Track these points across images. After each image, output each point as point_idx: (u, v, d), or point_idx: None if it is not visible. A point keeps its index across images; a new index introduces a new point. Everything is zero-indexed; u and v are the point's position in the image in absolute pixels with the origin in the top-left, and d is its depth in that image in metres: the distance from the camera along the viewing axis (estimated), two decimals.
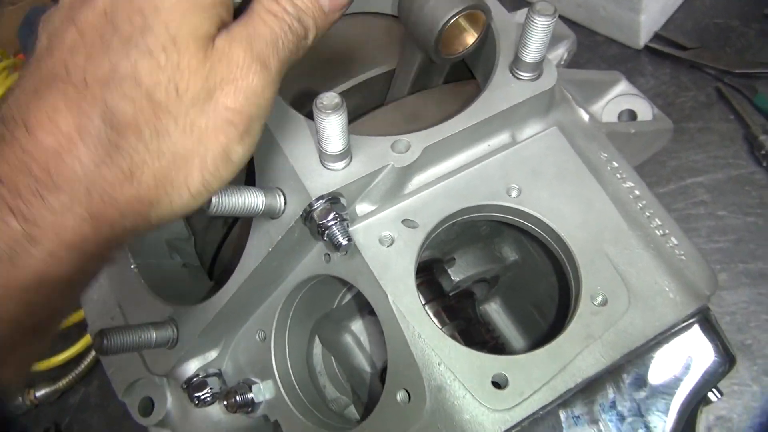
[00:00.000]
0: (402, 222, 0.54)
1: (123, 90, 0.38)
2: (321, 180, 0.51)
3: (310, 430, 0.58)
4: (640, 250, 0.54)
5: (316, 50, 0.65)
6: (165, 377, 0.67)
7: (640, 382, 0.51)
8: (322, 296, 0.64)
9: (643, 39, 1.12)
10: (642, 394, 0.51)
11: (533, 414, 0.48)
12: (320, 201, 0.50)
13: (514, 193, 0.56)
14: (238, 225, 0.66)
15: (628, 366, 0.51)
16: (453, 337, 0.53)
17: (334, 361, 0.68)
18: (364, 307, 0.68)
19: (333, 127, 0.47)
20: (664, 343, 0.52)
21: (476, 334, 0.69)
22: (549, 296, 0.68)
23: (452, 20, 0.53)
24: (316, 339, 0.68)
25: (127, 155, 0.38)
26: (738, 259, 0.97)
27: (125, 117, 0.38)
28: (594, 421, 0.50)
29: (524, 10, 0.54)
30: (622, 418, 0.50)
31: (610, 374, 0.51)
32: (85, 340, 1.07)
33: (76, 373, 1.05)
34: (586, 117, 0.64)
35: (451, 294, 0.70)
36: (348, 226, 0.51)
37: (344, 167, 0.51)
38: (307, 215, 0.51)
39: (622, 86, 0.81)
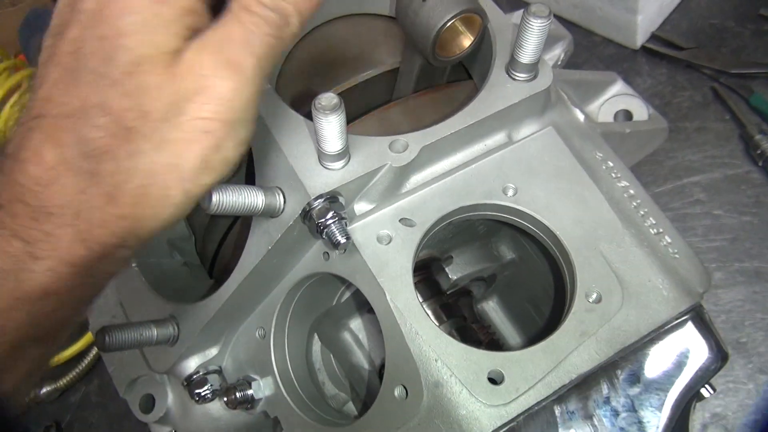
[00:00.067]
0: (400, 221, 0.55)
1: (93, 121, 0.40)
2: (320, 179, 0.51)
3: (310, 426, 0.59)
4: (634, 248, 0.55)
5: (316, 51, 0.66)
6: (166, 374, 0.67)
7: (634, 378, 0.52)
8: (321, 294, 0.65)
9: (639, 39, 1.13)
10: (636, 389, 0.52)
11: (529, 409, 0.49)
12: (319, 200, 0.51)
13: (510, 192, 0.57)
14: (238, 224, 0.67)
15: (622, 362, 0.52)
16: (450, 334, 0.54)
17: (333, 358, 0.69)
18: (362, 305, 0.68)
19: (331, 127, 0.47)
20: (658, 339, 0.53)
21: (473, 332, 0.70)
22: (546, 294, 0.69)
23: (448, 24, 0.54)
24: (315, 336, 0.68)
25: (106, 179, 0.40)
26: (734, 257, 0.97)
27: (99, 145, 0.40)
28: (588, 417, 0.51)
29: (520, 12, 0.55)
30: (616, 413, 0.51)
31: (605, 370, 0.52)
32: (86, 339, 1.07)
33: (76, 372, 1.06)
34: (581, 117, 0.65)
35: (448, 292, 0.71)
36: (346, 225, 0.52)
37: (343, 167, 0.52)
38: (306, 214, 0.51)
39: (618, 86, 0.82)
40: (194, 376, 0.63)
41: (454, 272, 0.71)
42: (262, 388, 0.62)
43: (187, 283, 0.69)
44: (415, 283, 0.53)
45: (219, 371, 0.64)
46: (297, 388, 0.62)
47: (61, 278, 0.40)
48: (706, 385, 0.54)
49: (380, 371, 0.67)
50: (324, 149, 0.50)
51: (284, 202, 0.52)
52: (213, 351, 0.64)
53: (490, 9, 0.61)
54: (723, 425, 0.89)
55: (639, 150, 0.86)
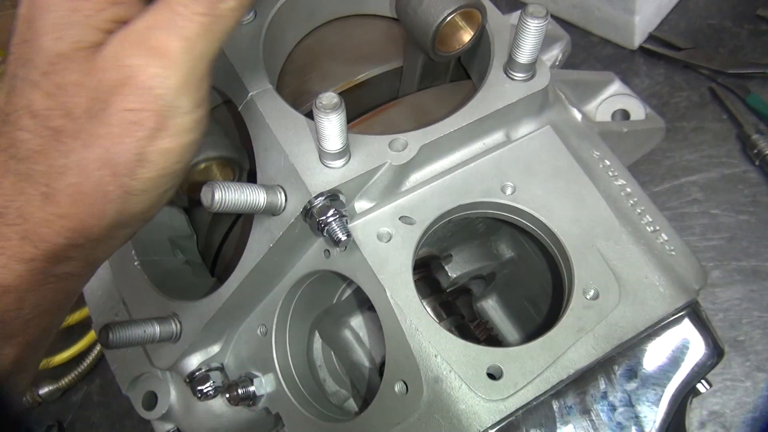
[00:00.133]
0: (400, 219, 0.55)
1: (21, 124, 0.40)
2: (321, 177, 0.52)
3: (311, 422, 0.59)
4: (631, 246, 0.56)
5: (317, 51, 0.67)
6: (168, 372, 0.68)
7: (631, 373, 0.52)
8: (322, 292, 0.66)
9: (637, 40, 1.14)
10: (633, 385, 0.52)
11: (527, 404, 0.50)
12: (320, 198, 0.52)
13: (508, 191, 0.57)
14: (240, 223, 0.67)
15: (620, 358, 0.53)
16: (449, 331, 0.54)
17: (333, 355, 0.69)
18: (363, 303, 0.69)
19: (332, 125, 0.48)
20: (655, 335, 0.53)
21: (472, 330, 0.70)
22: (544, 292, 0.70)
23: (447, 19, 0.54)
24: (316, 334, 0.69)
25: (40, 180, 0.40)
26: (731, 256, 0.98)
27: (30, 147, 0.40)
28: (586, 411, 0.51)
29: (518, 12, 0.56)
30: (613, 408, 0.52)
31: (602, 366, 0.52)
32: (87, 339, 1.08)
33: (78, 372, 1.07)
34: (579, 116, 0.66)
35: (448, 290, 0.71)
36: (347, 223, 0.52)
37: (343, 165, 0.53)
38: (307, 212, 0.52)
39: (616, 86, 0.83)
40: (196, 373, 0.63)
41: (454, 270, 0.71)
42: (263, 385, 0.62)
43: (189, 282, 0.70)
44: (415, 281, 0.54)
45: (221, 368, 0.65)
46: (298, 384, 0.63)
47: (15, 274, 0.41)
48: (703, 381, 0.55)
49: (380, 369, 0.67)
50: (325, 148, 0.51)
51: (285, 200, 0.53)
52: (215, 348, 0.65)
53: (488, 10, 0.62)
54: (721, 423, 0.89)
55: (636, 149, 0.86)
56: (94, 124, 0.40)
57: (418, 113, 0.63)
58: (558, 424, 0.50)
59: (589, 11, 1.14)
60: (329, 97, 0.47)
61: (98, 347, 1.08)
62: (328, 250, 0.56)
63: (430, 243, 0.66)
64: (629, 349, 0.53)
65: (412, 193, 0.56)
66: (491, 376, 0.50)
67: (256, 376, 0.63)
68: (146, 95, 0.39)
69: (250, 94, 0.56)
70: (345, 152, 0.52)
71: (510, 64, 0.58)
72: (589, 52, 1.17)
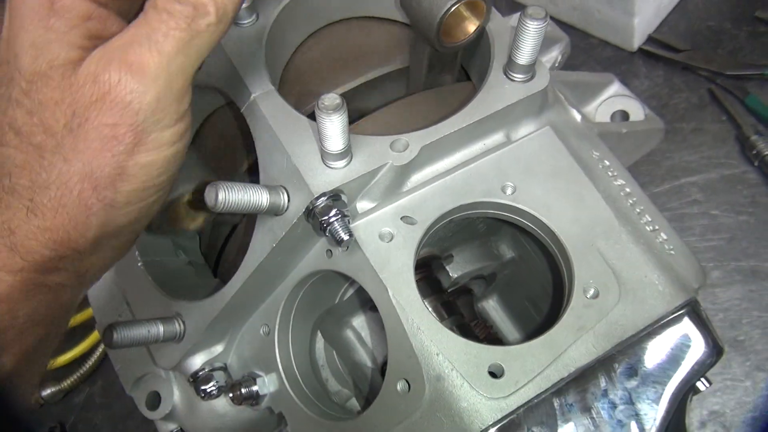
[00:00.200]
0: (401, 219, 0.56)
1: (6, 140, 0.42)
2: (323, 178, 0.53)
3: (314, 421, 0.60)
4: (630, 245, 0.56)
5: (319, 54, 0.67)
6: (171, 372, 0.69)
7: (632, 371, 0.53)
8: (324, 292, 0.66)
9: (636, 42, 1.14)
10: (633, 383, 0.53)
11: (528, 402, 0.50)
12: (322, 198, 0.52)
13: (509, 191, 0.58)
14: (243, 224, 0.68)
15: (620, 356, 0.53)
16: (451, 331, 0.55)
17: (335, 355, 0.70)
18: (365, 303, 0.69)
19: (334, 126, 0.49)
20: (655, 334, 0.54)
21: (473, 330, 0.71)
22: (545, 293, 0.70)
23: (452, 9, 0.54)
24: (319, 334, 0.69)
25: (24, 194, 0.42)
26: (731, 256, 0.99)
27: (15, 163, 0.42)
28: (586, 409, 0.52)
29: (518, 14, 0.56)
30: (613, 405, 0.52)
31: (602, 364, 0.53)
32: (90, 340, 1.08)
33: (80, 373, 1.07)
34: (578, 117, 0.66)
35: (449, 290, 0.72)
36: (349, 222, 0.53)
37: (345, 165, 0.53)
38: (309, 212, 0.52)
39: (615, 88, 0.83)
40: (200, 373, 0.64)
41: (455, 270, 0.72)
42: (266, 384, 0.63)
43: (192, 282, 0.70)
44: (416, 281, 0.54)
45: (224, 368, 0.65)
46: (301, 384, 0.63)
47: (6, 285, 0.42)
48: (702, 379, 0.55)
49: (382, 368, 0.68)
50: (327, 148, 0.51)
51: (288, 200, 0.53)
52: (218, 348, 0.65)
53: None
54: (721, 422, 0.90)
55: (636, 150, 0.87)
56: (73, 140, 0.41)
57: (418, 114, 0.64)
58: (559, 422, 0.51)
59: (589, 13, 1.14)
60: (331, 98, 0.47)
61: (100, 349, 1.08)
62: (330, 250, 0.57)
63: (431, 243, 0.67)
64: (629, 348, 0.53)
65: (413, 193, 0.57)
66: (492, 374, 0.51)
67: (259, 376, 0.63)
68: (123, 110, 0.40)
69: (253, 95, 0.57)
70: (347, 153, 0.53)
71: (510, 66, 0.59)
72: (588, 53, 1.18)
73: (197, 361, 0.65)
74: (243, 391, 0.62)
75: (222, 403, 0.67)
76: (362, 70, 0.67)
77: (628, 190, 0.61)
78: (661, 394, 0.53)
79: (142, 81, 0.40)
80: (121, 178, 0.42)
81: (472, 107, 0.57)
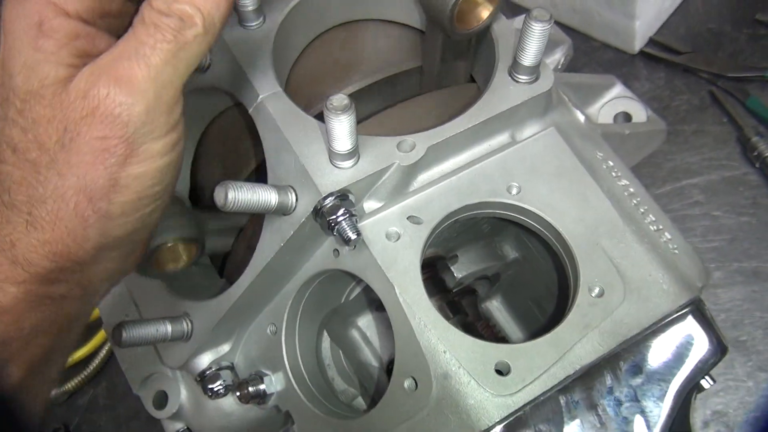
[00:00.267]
0: (408, 218, 0.56)
1: (5, 158, 0.43)
2: (330, 178, 0.53)
3: (321, 419, 0.60)
4: (634, 244, 0.57)
5: (326, 55, 0.68)
6: (179, 371, 0.69)
7: (637, 369, 0.53)
8: (330, 292, 0.66)
9: (638, 44, 1.15)
10: (638, 380, 0.53)
11: (534, 399, 0.51)
12: (330, 198, 0.53)
13: (514, 191, 0.58)
14: (249, 225, 0.68)
15: (625, 354, 0.53)
16: None
17: (341, 354, 0.70)
18: (370, 303, 0.70)
19: (342, 126, 0.49)
20: (660, 332, 0.54)
21: (477, 330, 0.71)
22: (549, 293, 0.71)
23: None
24: (325, 333, 0.70)
25: (22, 209, 0.43)
26: (732, 257, 0.99)
27: (13, 179, 0.43)
28: (592, 406, 0.52)
29: (522, 17, 0.57)
30: (619, 403, 0.53)
31: (608, 362, 0.53)
32: (94, 342, 1.09)
33: (84, 375, 1.08)
34: (582, 118, 0.67)
35: (454, 290, 0.72)
36: (357, 222, 0.53)
37: (352, 166, 0.54)
38: (317, 211, 0.53)
39: (617, 89, 0.84)
40: (207, 372, 0.64)
41: (459, 271, 0.72)
42: (273, 383, 0.63)
43: (197, 283, 0.71)
44: (422, 281, 0.55)
45: (231, 367, 0.66)
46: (308, 382, 0.63)
47: (10, 296, 0.43)
48: (707, 377, 0.55)
49: (388, 368, 0.68)
50: (335, 148, 0.52)
51: (296, 200, 0.54)
52: (225, 347, 0.65)
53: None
54: (724, 422, 0.90)
55: (638, 151, 0.87)
56: (66, 154, 0.42)
57: (422, 116, 0.64)
58: (565, 419, 0.51)
59: (590, 16, 1.15)
60: (340, 99, 0.48)
61: (105, 351, 1.09)
62: (338, 250, 0.57)
63: (436, 243, 0.67)
64: (634, 346, 0.53)
65: (419, 193, 0.57)
66: (499, 372, 0.51)
67: (266, 375, 0.63)
68: (113, 123, 0.41)
69: (261, 97, 0.57)
70: (354, 153, 0.53)
71: (514, 67, 0.59)
72: (590, 56, 1.19)
73: (204, 360, 0.65)
74: (250, 389, 0.62)
75: (229, 402, 0.67)
76: (367, 73, 0.67)
77: (632, 190, 0.62)
78: (666, 391, 0.53)
79: (130, 93, 0.41)
80: (115, 189, 0.43)
81: (478, 108, 0.58)
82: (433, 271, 0.70)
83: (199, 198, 0.74)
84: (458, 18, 0.56)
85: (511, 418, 0.50)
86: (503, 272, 0.76)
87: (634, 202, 0.61)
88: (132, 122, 0.41)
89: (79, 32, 0.42)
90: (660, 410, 0.53)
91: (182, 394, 0.69)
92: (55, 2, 0.42)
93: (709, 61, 1.12)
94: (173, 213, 0.59)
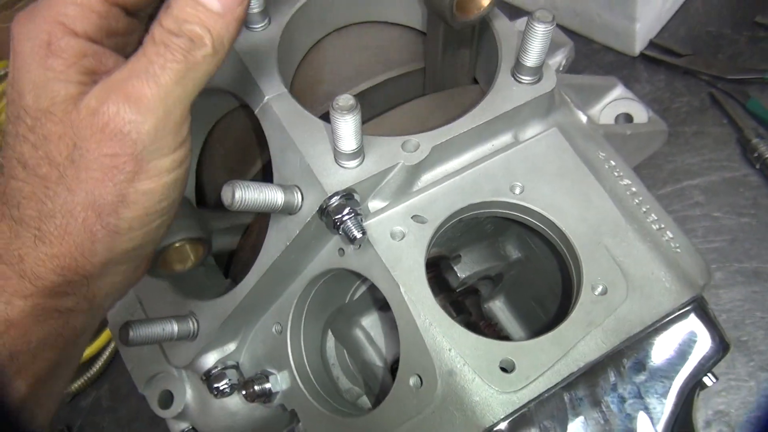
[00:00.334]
0: (412, 218, 0.57)
1: (14, 173, 0.44)
2: (336, 177, 0.54)
3: (326, 418, 0.60)
4: (637, 243, 0.57)
5: (331, 57, 0.69)
6: (184, 370, 0.69)
7: (640, 366, 0.54)
8: (335, 291, 0.67)
9: (638, 47, 1.16)
10: (642, 377, 0.54)
11: (539, 396, 0.51)
12: (335, 197, 0.53)
13: (517, 190, 0.59)
14: (254, 226, 0.69)
15: (628, 351, 0.54)
16: None
17: (346, 354, 0.71)
18: (374, 303, 0.70)
19: (348, 126, 0.50)
20: (662, 329, 0.55)
21: (481, 329, 0.72)
22: (551, 293, 0.71)
23: None
24: (329, 332, 0.70)
25: (31, 223, 0.44)
26: (733, 258, 1.00)
27: (22, 194, 0.44)
28: (596, 403, 0.52)
29: (524, 19, 0.57)
30: (623, 400, 0.53)
31: (611, 359, 0.53)
32: (97, 344, 1.09)
33: (87, 377, 1.08)
34: (584, 119, 0.68)
35: (457, 290, 0.73)
36: (362, 221, 0.54)
37: (358, 165, 0.54)
38: (323, 210, 0.53)
39: (619, 91, 0.85)
40: (213, 371, 0.65)
41: (463, 271, 0.73)
42: (279, 382, 0.64)
43: (203, 282, 0.71)
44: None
45: (236, 366, 0.66)
46: (313, 381, 0.64)
47: (18, 309, 0.44)
48: (709, 374, 0.56)
49: (392, 368, 0.69)
50: (340, 148, 0.52)
51: (302, 199, 0.54)
52: (231, 347, 0.66)
53: (495, 16, 0.64)
54: (726, 422, 0.90)
55: (639, 152, 0.88)
56: (75, 170, 0.43)
57: (425, 117, 0.65)
58: (569, 416, 0.52)
59: (590, 19, 1.16)
60: (346, 99, 0.48)
61: (107, 353, 1.09)
62: (343, 249, 0.58)
63: (439, 243, 0.68)
64: (637, 343, 0.54)
65: (423, 192, 0.58)
66: (504, 369, 0.52)
67: (272, 374, 0.64)
68: (122, 140, 0.42)
69: (267, 98, 0.58)
70: (359, 153, 0.54)
71: (517, 68, 0.60)
72: (590, 59, 1.19)
73: (210, 360, 0.66)
74: (256, 388, 0.63)
75: (234, 401, 0.68)
76: (370, 74, 0.68)
77: (634, 189, 0.62)
78: (669, 388, 0.54)
79: (139, 112, 0.41)
80: (124, 205, 0.44)
81: (481, 109, 0.59)
82: (437, 270, 0.71)
83: (205, 198, 0.75)
84: (458, 6, 0.56)
85: (515, 415, 0.51)
86: (506, 272, 0.76)
87: (636, 201, 0.62)
88: (141, 140, 0.42)
89: (87, 51, 0.43)
90: (663, 407, 0.54)
91: (188, 393, 0.69)
92: (63, 22, 0.43)
93: (709, 63, 1.13)
94: (181, 213, 0.60)
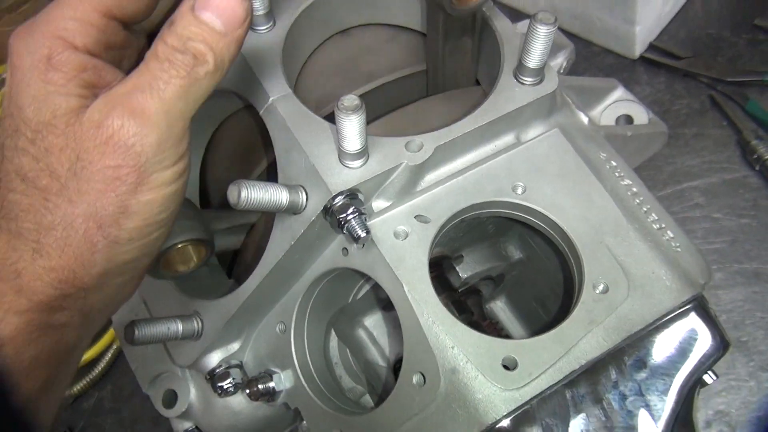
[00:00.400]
0: (415, 217, 0.57)
1: (13, 186, 0.44)
2: (340, 177, 0.54)
3: (330, 416, 0.61)
4: (638, 242, 0.58)
5: (337, 58, 0.69)
6: (188, 370, 0.70)
7: (641, 363, 0.54)
8: (338, 291, 0.67)
9: (638, 49, 1.16)
10: (643, 375, 0.54)
11: (541, 393, 0.52)
12: (340, 196, 0.54)
13: (519, 190, 0.59)
14: (258, 228, 0.69)
15: (630, 349, 0.54)
16: None
17: (349, 353, 0.71)
18: (377, 303, 0.71)
19: (353, 126, 0.50)
20: (663, 327, 0.55)
21: (483, 329, 0.72)
22: (552, 293, 0.72)
23: None
24: (332, 332, 0.71)
25: (29, 236, 0.44)
26: (733, 259, 1.00)
27: (21, 207, 0.44)
28: (597, 400, 0.53)
29: (526, 21, 0.58)
30: (624, 397, 0.53)
31: (613, 357, 0.54)
32: (99, 345, 1.09)
33: (89, 378, 1.08)
34: (585, 120, 0.68)
35: (459, 290, 0.73)
36: (366, 220, 0.54)
37: (362, 165, 0.55)
38: (327, 210, 0.54)
39: (619, 92, 0.85)
40: (217, 370, 0.65)
41: (465, 271, 0.73)
42: (282, 381, 0.64)
43: (207, 283, 0.72)
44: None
45: (240, 365, 0.67)
46: (316, 380, 0.64)
47: (12, 326, 0.44)
48: (709, 372, 0.56)
49: (395, 367, 0.69)
50: (345, 148, 0.53)
51: (306, 199, 0.55)
52: (235, 346, 0.66)
53: (497, 18, 0.64)
54: (726, 422, 0.91)
55: (640, 153, 0.89)
56: (77, 182, 0.43)
57: (428, 118, 0.65)
58: (571, 413, 0.52)
59: (590, 22, 1.16)
60: (351, 99, 0.49)
61: (110, 354, 1.09)
62: (346, 248, 0.58)
63: (442, 243, 0.68)
64: (638, 341, 0.54)
65: (427, 192, 0.58)
66: (506, 366, 0.52)
67: (275, 372, 0.64)
68: (126, 152, 0.42)
69: (271, 99, 0.58)
70: (364, 153, 0.54)
71: (519, 69, 0.60)
72: (590, 61, 1.20)
73: (214, 359, 0.66)
74: (260, 387, 0.63)
75: (238, 400, 0.68)
76: (374, 76, 0.68)
77: (634, 189, 0.63)
78: (670, 385, 0.54)
79: (144, 125, 0.42)
80: (125, 215, 0.44)
81: (484, 109, 0.59)
82: (439, 270, 0.71)
83: (209, 197, 0.75)
84: None
85: (518, 412, 0.51)
86: (508, 273, 0.77)
87: (637, 201, 0.62)
88: (145, 152, 0.43)
89: (86, 65, 0.44)
90: (664, 404, 0.54)
91: (191, 392, 0.69)
92: (63, 36, 0.44)
93: (709, 65, 1.14)
94: (183, 215, 0.60)
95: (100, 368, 1.09)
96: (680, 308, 0.56)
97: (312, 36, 0.68)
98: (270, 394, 0.64)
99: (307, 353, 0.64)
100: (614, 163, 0.65)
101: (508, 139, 0.62)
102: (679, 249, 0.61)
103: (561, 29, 1.15)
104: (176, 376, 0.70)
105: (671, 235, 0.61)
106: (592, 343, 0.53)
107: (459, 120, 0.59)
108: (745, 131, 1.06)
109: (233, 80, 0.61)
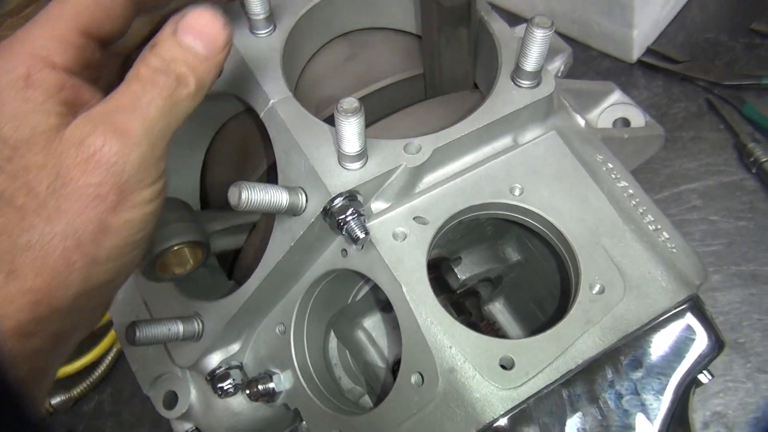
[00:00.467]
0: (414, 219, 0.58)
1: None
2: (340, 179, 0.55)
3: (329, 416, 0.61)
4: (634, 243, 0.58)
5: (338, 60, 0.70)
6: (188, 371, 0.70)
7: (637, 363, 0.55)
8: (338, 292, 0.68)
9: (636, 53, 1.17)
10: (638, 374, 0.55)
11: (538, 392, 0.52)
12: (339, 198, 0.54)
13: (516, 192, 0.60)
14: (257, 231, 0.70)
15: (626, 349, 0.55)
16: None
17: (348, 354, 0.72)
18: (376, 305, 0.71)
19: (352, 128, 0.51)
20: (659, 327, 0.56)
21: (481, 330, 0.73)
22: (550, 295, 0.72)
23: None
24: (332, 333, 0.71)
25: (5, 258, 0.42)
26: (730, 261, 1.01)
27: None
28: (594, 399, 0.53)
29: (524, 25, 0.59)
30: (620, 396, 0.54)
31: (609, 356, 0.54)
32: (99, 348, 1.09)
33: (89, 381, 1.08)
34: (582, 122, 0.69)
35: (457, 292, 0.74)
36: (365, 221, 0.55)
37: (361, 167, 0.55)
38: (327, 211, 0.55)
39: (616, 96, 0.86)
40: (217, 371, 0.66)
41: (463, 272, 0.74)
42: (282, 382, 0.65)
43: (207, 284, 0.72)
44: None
45: (240, 366, 0.67)
46: (316, 381, 0.65)
47: None
48: (705, 372, 0.57)
49: (393, 368, 0.70)
50: (344, 150, 0.53)
51: (306, 200, 0.56)
52: (235, 347, 0.67)
53: (495, 21, 0.65)
54: (724, 423, 0.91)
55: (636, 156, 0.89)
56: (57, 200, 0.42)
57: (426, 121, 0.66)
58: (568, 412, 0.53)
59: (588, 26, 1.17)
60: (350, 102, 0.50)
61: (110, 357, 1.10)
62: (345, 250, 0.59)
63: (440, 245, 0.69)
64: (634, 341, 0.55)
65: (425, 194, 0.59)
66: (503, 366, 0.53)
67: (275, 373, 0.65)
68: (108, 170, 0.42)
69: (272, 101, 0.59)
70: (363, 155, 0.55)
71: (517, 73, 0.61)
72: (588, 65, 1.21)
73: (214, 360, 0.66)
74: (260, 387, 0.64)
75: (238, 401, 0.69)
76: (373, 79, 0.69)
77: (631, 191, 0.64)
78: (666, 385, 0.55)
79: (126, 143, 0.42)
80: (104, 234, 0.43)
81: (482, 112, 0.60)
82: (438, 272, 0.72)
83: (210, 199, 0.76)
84: None
85: (515, 411, 0.52)
86: (505, 274, 0.77)
87: (633, 202, 0.63)
88: (126, 171, 0.42)
89: (65, 83, 0.44)
90: (660, 403, 0.55)
91: (192, 394, 0.70)
92: (41, 55, 0.44)
93: (706, 69, 1.14)
94: (178, 217, 0.61)
95: (100, 371, 1.09)
96: (676, 308, 0.56)
97: (312, 40, 0.68)
98: (270, 395, 0.64)
99: (307, 354, 0.65)
100: (611, 166, 0.65)
101: (505, 141, 0.63)
102: (674, 250, 0.61)
103: (559, 33, 1.16)
104: (177, 377, 0.70)
105: (667, 237, 0.62)
106: (589, 343, 0.54)
107: (457, 123, 0.59)
108: (742, 134, 1.07)
109: (234, 83, 0.62)
